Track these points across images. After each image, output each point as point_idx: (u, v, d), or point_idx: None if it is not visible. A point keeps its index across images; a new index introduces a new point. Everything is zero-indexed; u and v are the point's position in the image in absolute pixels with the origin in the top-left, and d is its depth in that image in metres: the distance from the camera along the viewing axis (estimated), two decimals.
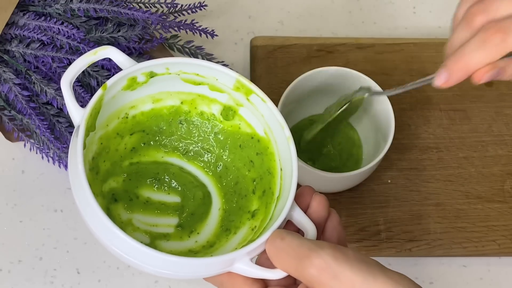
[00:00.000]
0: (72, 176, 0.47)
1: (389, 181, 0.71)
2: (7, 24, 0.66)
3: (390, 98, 0.66)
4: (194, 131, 0.56)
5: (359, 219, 0.69)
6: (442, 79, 0.51)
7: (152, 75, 0.52)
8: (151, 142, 0.55)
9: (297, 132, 0.69)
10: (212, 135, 0.56)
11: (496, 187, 0.71)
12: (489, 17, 0.50)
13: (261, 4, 0.81)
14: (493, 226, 0.69)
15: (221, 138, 0.56)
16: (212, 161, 0.56)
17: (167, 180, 0.55)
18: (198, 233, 0.53)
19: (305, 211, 0.49)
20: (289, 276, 0.46)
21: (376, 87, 0.65)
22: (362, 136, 0.71)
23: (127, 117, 0.54)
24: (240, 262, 0.46)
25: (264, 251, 0.46)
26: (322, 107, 0.68)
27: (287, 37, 0.77)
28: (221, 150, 0.56)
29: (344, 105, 0.64)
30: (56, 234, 0.68)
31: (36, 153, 0.70)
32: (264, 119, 0.53)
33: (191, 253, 0.52)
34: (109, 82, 0.49)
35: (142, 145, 0.55)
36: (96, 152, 0.52)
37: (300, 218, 0.48)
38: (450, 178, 0.71)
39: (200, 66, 0.52)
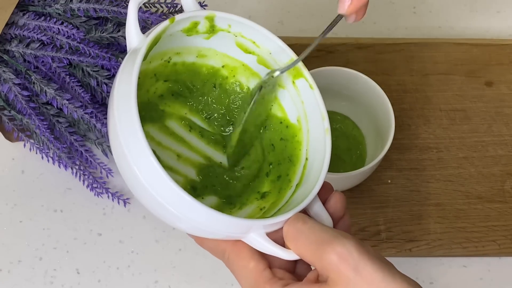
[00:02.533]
0: (118, 97, 0.44)
1: (389, 181, 0.71)
2: (7, 24, 0.66)
3: (390, 98, 0.66)
4: (225, 99, 0.55)
5: (359, 219, 0.69)
6: (346, 3, 0.48)
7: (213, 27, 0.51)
8: (180, 96, 0.54)
9: None
10: (241, 109, 0.55)
11: (496, 187, 0.71)
12: None
13: (261, 4, 0.81)
14: (493, 226, 0.69)
15: (248, 114, 0.54)
16: (232, 134, 0.55)
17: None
18: (202, 198, 0.52)
19: None
20: (291, 262, 0.46)
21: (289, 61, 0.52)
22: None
23: (168, 62, 0.52)
24: (256, 233, 0.45)
25: (277, 231, 0.45)
26: None
27: (287, 37, 0.76)
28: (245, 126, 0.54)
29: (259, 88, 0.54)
30: (56, 234, 0.68)
31: (36, 153, 0.70)
32: (303, 106, 0.52)
33: None
34: (178, 17, 0.48)
35: (171, 95, 0.54)
36: None
37: (319, 211, 0.47)
38: (450, 178, 0.71)
39: (260, 34, 0.51)
